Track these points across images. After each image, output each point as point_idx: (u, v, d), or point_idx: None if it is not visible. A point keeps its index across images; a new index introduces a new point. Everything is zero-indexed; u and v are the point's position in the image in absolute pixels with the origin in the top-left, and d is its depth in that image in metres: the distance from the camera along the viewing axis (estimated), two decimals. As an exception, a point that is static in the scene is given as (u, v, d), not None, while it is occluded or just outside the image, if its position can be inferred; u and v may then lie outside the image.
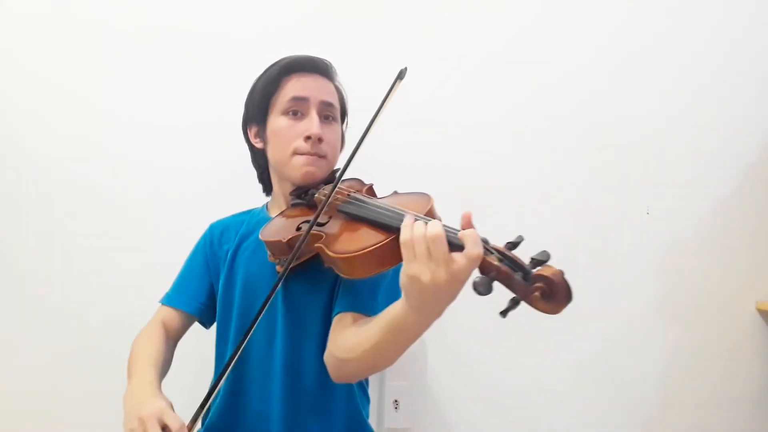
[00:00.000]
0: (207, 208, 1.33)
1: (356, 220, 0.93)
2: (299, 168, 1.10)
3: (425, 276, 0.73)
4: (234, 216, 1.27)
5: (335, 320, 1.01)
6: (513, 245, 0.76)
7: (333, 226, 0.96)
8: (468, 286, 0.73)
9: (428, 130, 1.57)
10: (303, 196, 1.11)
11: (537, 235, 1.56)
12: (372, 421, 1.20)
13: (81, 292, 1.52)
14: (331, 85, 1.17)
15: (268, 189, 1.25)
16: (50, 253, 1.54)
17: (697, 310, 1.61)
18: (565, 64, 1.62)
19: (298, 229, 0.99)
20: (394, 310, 0.83)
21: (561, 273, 0.69)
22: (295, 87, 1.12)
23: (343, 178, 1.14)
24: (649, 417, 1.59)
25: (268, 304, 0.89)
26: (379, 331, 0.86)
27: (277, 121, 1.13)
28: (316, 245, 0.93)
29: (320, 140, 1.10)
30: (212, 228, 1.26)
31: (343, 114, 1.23)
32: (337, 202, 0.99)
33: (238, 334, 1.11)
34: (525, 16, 1.63)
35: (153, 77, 1.57)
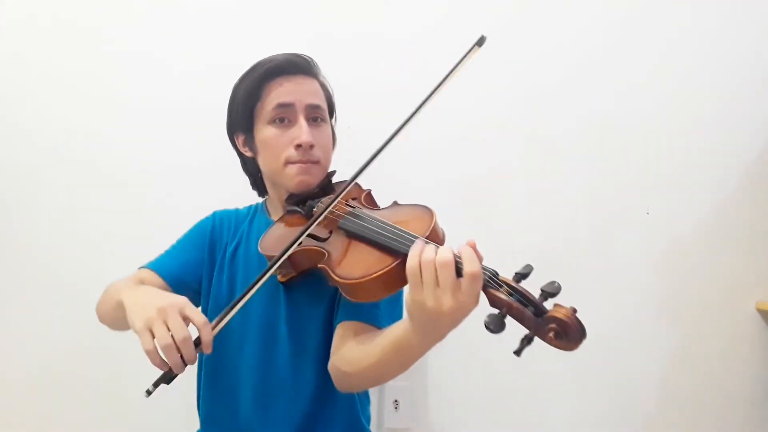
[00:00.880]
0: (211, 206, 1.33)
1: (359, 239, 0.91)
2: (293, 177, 1.08)
3: (430, 302, 0.73)
4: (237, 210, 1.25)
5: (338, 329, 1.01)
6: (521, 276, 0.74)
7: (336, 245, 0.93)
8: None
9: (428, 131, 1.57)
10: (300, 205, 1.08)
11: (537, 235, 1.59)
12: (372, 421, 1.20)
13: (80, 293, 1.52)
14: (314, 84, 1.13)
15: (263, 193, 1.23)
16: (49, 254, 1.55)
17: (697, 310, 1.61)
18: (566, 64, 1.62)
19: (299, 243, 0.97)
20: (398, 330, 0.83)
21: (573, 313, 0.69)
22: (278, 94, 1.08)
23: (339, 181, 1.14)
24: (649, 417, 1.59)
25: (249, 296, 0.88)
26: (381, 350, 0.87)
27: (265, 131, 1.09)
28: (320, 265, 0.91)
29: (311, 146, 1.07)
30: (216, 217, 1.23)
31: (331, 111, 1.19)
32: (337, 218, 0.97)
33: (239, 341, 1.09)
34: (526, 16, 1.62)
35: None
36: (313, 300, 1.04)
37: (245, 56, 1.15)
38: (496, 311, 0.72)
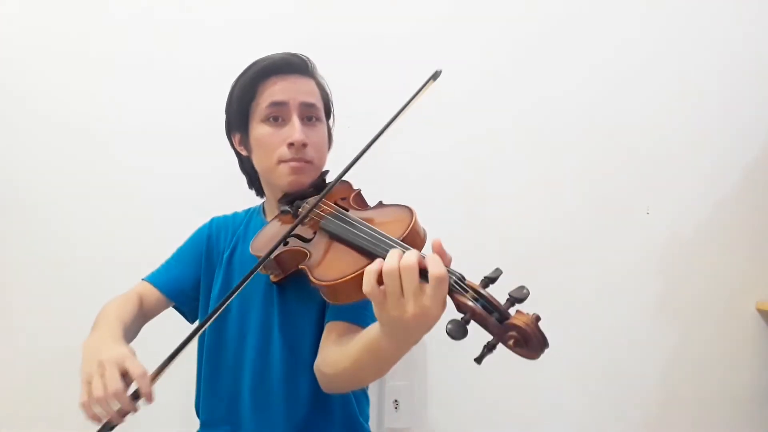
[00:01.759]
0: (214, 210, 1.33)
1: (338, 240, 0.90)
2: (285, 176, 1.07)
3: (394, 311, 0.71)
4: (234, 215, 1.26)
5: (326, 329, 1.01)
6: (489, 281, 0.72)
7: (317, 246, 0.93)
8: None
9: (427, 131, 1.57)
10: (291, 204, 1.08)
11: (537, 235, 1.59)
12: (372, 421, 1.20)
13: (79, 292, 1.52)
14: (311, 83, 1.12)
15: (260, 193, 1.23)
16: (47, 254, 1.55)
17: (697, 310, 1.61)
18: (566, 64, 1.62)
19: (286, 243, 0.97)
20: (371, 333, 0.83)
21: (534, 322, 0.67)
22: (272, 92, 1.07)
23: (330, 182, 1.13)
24: (649, 417, 1.59)
25: (237, 293, 0.88)
26: (357, 351, 0.86)
27: (259, 129, 1.08)
28: (300, 266, 0.91)
29: (304, 145, 1.06)
30: (213, 223, 1.24)
31: (328, 111, 1.18)
32: (320, 218, 0.96)
33: (238, 342, 1.10)
34: (527, 18, 1.62)
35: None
36: (305, 300, 1.04)
37: (246, 56, 1.14)
38: (460, 316, 0.70)
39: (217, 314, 0.88)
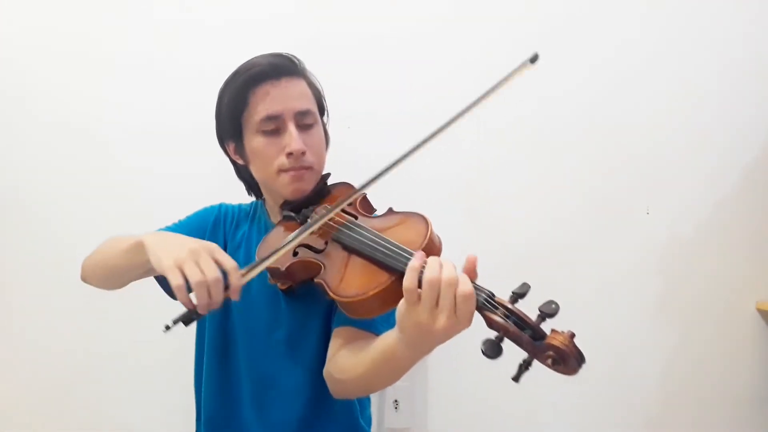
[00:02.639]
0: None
1: (354, 253, 0.89)
2: (287, 186, 1.05)
3: (425, 319, 0.71)
4: (241, 206, 1.24)
5: (334, 334, 1.00)
6: (518, 296, 0.73)
7: (332, 258, 0.92)
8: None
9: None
10: (296, 212, 1.06)
11: (537, 235, 1.59)
12: (372, 421, 1.20)
13: (79, 293, 1.52)
14: (301, 84, 1.08)
15: (259, 197, 1.22)
16: (47, 254, 1.55)
17: (697, 310, 1.61)
18: (566, 64, 1.62)
19: (295, 254, 0.96)
20: (388, 340, 0.83)
21: (571, 340, 0.68)
22: (264, 104, 1.03)
23: (334, 183, 1.12)
24: (649, 417, 1.59)
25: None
26: (371, 359, 0.86)
27: (254, 141, 1.06)
28: (316, 280, 0.90)
29: (303, 153, 1.04)
30: (222, 208, 1.22)
31: (322, 110, 1.15)
32: (331, 229, 0.95)
33: (242, 344, 1.09)
34: (527, 18, 1.62)
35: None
36: (313, 307, 1.03)
37: (246, 56, 1.14)
38: (494, 334, 0.70)
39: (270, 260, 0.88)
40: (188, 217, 1.22)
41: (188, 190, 1.54)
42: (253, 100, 1.05)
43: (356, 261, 0.88)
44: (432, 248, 0.84)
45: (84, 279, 1.16)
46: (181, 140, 1.56)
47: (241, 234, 1.17)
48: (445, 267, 0.72)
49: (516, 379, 0.69)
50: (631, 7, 1.63)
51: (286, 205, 1.08)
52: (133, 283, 1.16)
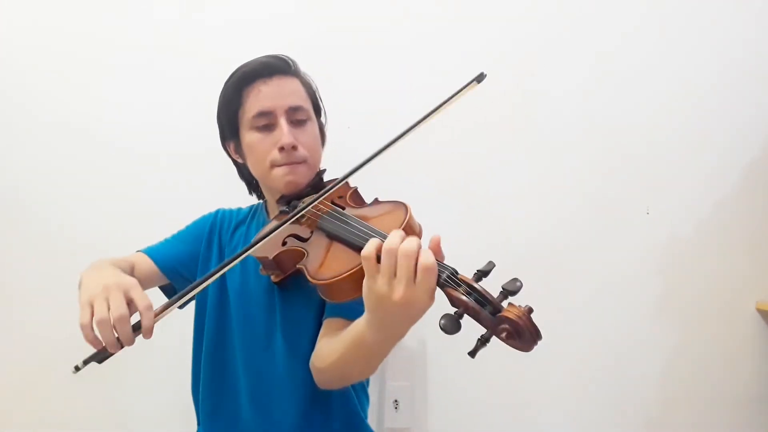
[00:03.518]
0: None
1: (335, 239, 0.91)
2: (280, 179, 1.08)
3: (384, 289, 0.72)
4: (240, 210, 1.26)
5: (323, 325, 1.02)
6: (482, 274, 0.72)
7: (315, 245, 0.94)
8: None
9: (426, 131, 1.57)
10: (289, 205, 1.09)
11: (537, 234, 1.58)
12: (372, 421, 1.20)
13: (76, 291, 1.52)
14: (294, 83, 1.11)
15: (261, 197, 1.24)
16: (48, 254, 1.55)
17: (697, 310, 1.61)
18: (566, 64, 1.62)
19: (284, 244, 0.98)
20: (357, 325, 0.84)
21: (526, 314, 0.67)
22: (257, 100, 1.07)
23: (330, 179, 1.13)
24: (649, 417, 1.59)
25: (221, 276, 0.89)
26: (343, 345, 0.88)
27: (248, 137, 1.09)
28: (298, 265, 0.92)
29: (294, 148, 1.06)
30: (218, 214, 1.25)
31: (317, 108, 1.17)
32: (317, 218, 0.97)
33: (240, 341, 1.10)
34: (527, 18, 1.62)
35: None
36: (307, 300, 1.04)
37: (246, 56, 1.15)
38: (453, 310, 0.70)
39: (190, 294, 0.87)
40: (186, 227, 1.24)
41: (189, 190, 1.55)
42: (246, 98, 1.08)
43: (337, 247, 0.90)
44: (410, 233, 0.84)
45: None
46: (182, 140, 1.56)
47: (239, 235, 1.19)
48: (407, 239, 0.72)
49: (472, 354, 0.69)
50: (631, 7, 1.63)
51: (282, 199, 1.10)
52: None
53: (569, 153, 1.61)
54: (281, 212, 1.09)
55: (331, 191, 0.96)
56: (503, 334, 0.67)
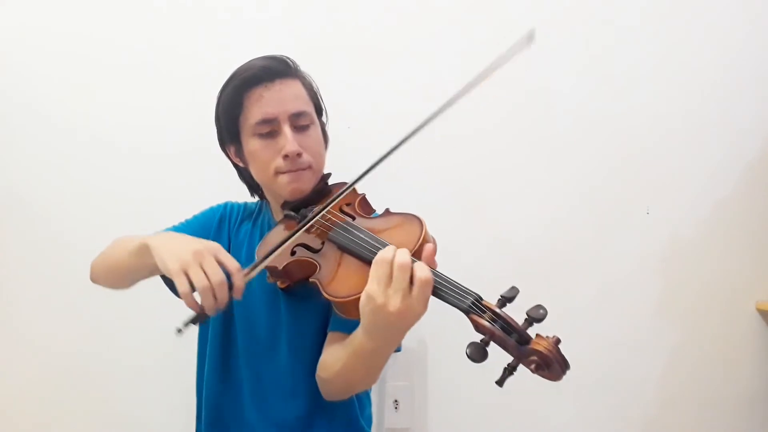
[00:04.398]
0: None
1: (348, 253, 0.90)
2: (285, 186, 1.06)
3: (380, 299, 0.74)
4: (246, 205, 1.25)
5: (327, 338, 1.02)
6: (506, 300, 0.73)
7: (327, 258, 0.93)
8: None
9: (426, 132, 1.56)
10: (296, 211, 1.07)
11: (537, 235, 1.58)
12: (372, 421, 1.20)
13: (79, 293, 1.52)
14: (296, 86, 1.08)
15: (262, 197, 1.23)
16: (48, 254, 1.55)
17: (697, 310, 1.61)
18: (566, 64, 1.62)
19: (293, 253, 0.97)
20: (356, 335, 0.85)
21: (555, 346, 0.68)
22: (259, 107, 1.04)
23: (335, 183, 1.13)
24: (649, 417, 1.59)
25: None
26: (344, 355, 0.89)
27: (251, 144, 1.07)
28: (311, 279, 0.91)
29: (299, 155, 1.04)
30: (227, 206, 1.23)
31: (319, 109, 1.15)
32: (328, 228, 0.96)
33: (244, 346, 1.10)
34: (527, 18, 1.62)
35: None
36: (312, 306, 1.04)
37: (246, 56, 1.14)
38: (479, 337, 0.71)
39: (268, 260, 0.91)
40: (195, 217, 1.23)
41: (189, 190, 1.55)
42: (247, 103, 1.06)
43: (350, 261, 0.89)
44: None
45: (93, 280, 1.18)
46: (182, 140, 1.56)
47: (244, 232, 1.18)
48: (399, 251, 0.75)
49: (500, 383, 0.70)
50: (632, 7, 1.63)
51: (287, 204, 1.09)
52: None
53: (569, 153, 1.61)
54: (286, 216, 1.08)
55: (338, 200, 0.95)
56: (532, 366, 0.68)
